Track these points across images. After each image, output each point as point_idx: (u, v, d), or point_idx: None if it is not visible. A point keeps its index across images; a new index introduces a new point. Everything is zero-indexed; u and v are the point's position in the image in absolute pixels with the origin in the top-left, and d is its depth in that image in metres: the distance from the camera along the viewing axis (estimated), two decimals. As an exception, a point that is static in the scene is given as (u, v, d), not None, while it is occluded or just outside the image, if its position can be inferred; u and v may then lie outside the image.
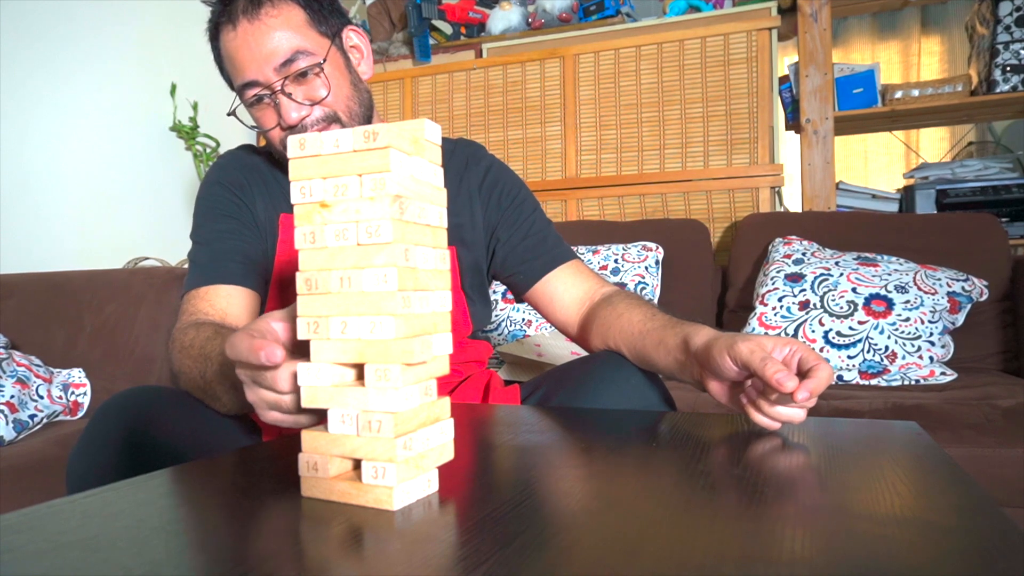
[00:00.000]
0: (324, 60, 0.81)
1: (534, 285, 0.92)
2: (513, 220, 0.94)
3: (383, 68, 2.54)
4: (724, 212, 2.13)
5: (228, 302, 0.82)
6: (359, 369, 0.41)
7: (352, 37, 0.89)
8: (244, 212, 0.88)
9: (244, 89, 0.81)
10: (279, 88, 0.80)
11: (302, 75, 0.80)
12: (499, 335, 1.83)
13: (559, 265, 0.91)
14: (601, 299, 0.87)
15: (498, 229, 0.94)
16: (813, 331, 1.52)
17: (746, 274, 1.84)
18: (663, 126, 2.19)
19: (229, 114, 0.86)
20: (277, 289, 0.87)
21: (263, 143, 0.94)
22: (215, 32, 0.83)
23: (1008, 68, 1.97)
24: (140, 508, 0.41)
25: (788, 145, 2.81)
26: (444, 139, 0.95)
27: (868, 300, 1.51)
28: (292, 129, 0.82)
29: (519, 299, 0.97)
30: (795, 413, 0.58)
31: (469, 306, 0.94)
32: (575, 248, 1.77)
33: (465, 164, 0.95)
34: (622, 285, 1.80)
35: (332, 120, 0.83)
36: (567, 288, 0.90)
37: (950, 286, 1.53)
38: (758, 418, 0.59)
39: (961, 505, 0.39)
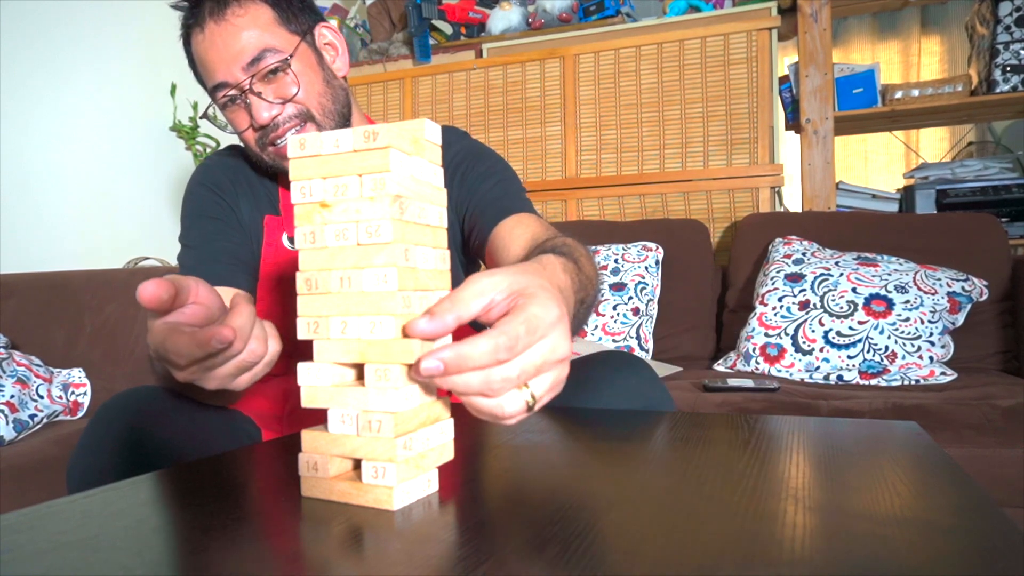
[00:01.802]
0: (291, 56, 0.80)
1: (487, 244, 0.83)
2: (472, 188, 0.89)
3: (383, 68, 2.54)
4: (724, 212, 2.13)
5: None
6: (359, 369, 0.41)
7: (326, 34, 0.87)
8: (229, 214, 0.89)
9: (215, 91, 0.81)
10: (248, 87, 0.79)
11: (271, 73, 0.79)
12: (499, 335, 1.83)
13: (508, 216, 0.82)
14: (536, 246, 0.73)
15: (466, 206, 0.89)
16: (813, 331, 1.52)
17: (746, 274, 1.84)
18: (663, 126, 2.19)
19: (201, 117, 0.86)
20: (264, 291, 0.87)
21: None
22: (187, 37, 0.83)
23: (1008, 68, 1.97)
24: (140, 508, 0.41)
25: (788, 145, 2.81)
26: None
27: (868, 300, 1.51)
28: (264, 129, 0.81)
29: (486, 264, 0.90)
30: (483, 405, 0.39)
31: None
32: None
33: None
34: (622, 285, 1.80)
35: (306, 118, 0.81)
36: (514, 238, 0.79)
37: (950, 286, 1.53)
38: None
39: (961, 505, 0.39)
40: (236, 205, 0.89)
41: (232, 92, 0.80)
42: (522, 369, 0.38)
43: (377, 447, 0.39)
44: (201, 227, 0.87)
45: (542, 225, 0.81)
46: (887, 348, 1.46)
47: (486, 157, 0.91)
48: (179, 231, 0.92)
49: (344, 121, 0.87)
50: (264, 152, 0.83)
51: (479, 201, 0.86)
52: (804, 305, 1.56)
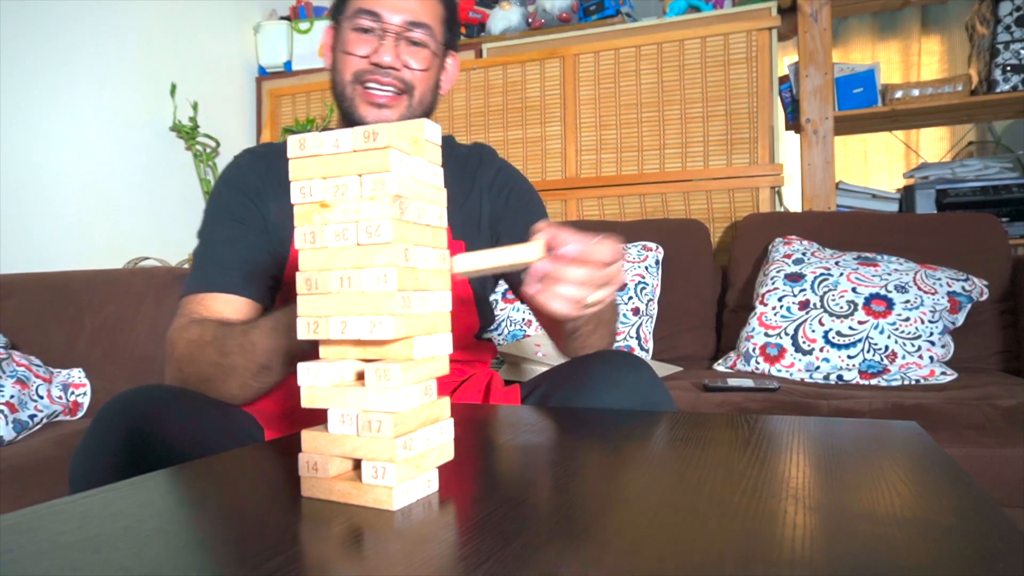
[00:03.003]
0: (439, 43, 0.89)
1: (522, 280, 0.91)
2: (516, 217, 0.95)
3: (383, 68, 2.54)
4: (724, 212, 2.13)
5: (225, 309, 0.83)
6: (359, 369, 0.41)
7: (451, 63, 0.97)
8: (254, 216, 0.88)
9: (363, 14, 0.86)
10: (398, 32, 0.86)
11: (416, 44, 0.87)
12: (499, 335, 1.83)
13: None
14: None
15: (500, 224, 0.96)
16: (813, 331, 1.52)
17: (746, 274, 1.84)
18: (663, 126, 2.19)
19: (331, 16, 0.91)
20: (290, 291, 0.88)
21: (268, 139, 0.95)
22: None
23: (1008, 68, 1.97)
24: (140, 508, 0.41)
25: (788, 145, 2.80)
26: (460, 145, 1.02)
27: (868, 300, 1.51)
28: (375, 67, 0.86)
29: (519, 297, 0.97)
30: (572, 292, 0.54)
31: (477, 304, 0.94)
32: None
33: (479, 163, 1.00)
34: (622, 285, 1.80)
35: (408, 89, 0.88)
36: None
37: (950, 286, 1.53)
38: (539, 299, 0.55)
39: (961, 505, 0.39)
40: (265, 206, 0.89)
41: (377, 23, 0.85)
42: (609, 276, 0.55)
43: (377, 447, 0.39)
44: (223, 230, 0.88)
45: None
46: (887, 348, 1.46)
47: (531, 192, 1.01)
48: (183, 229, 0.93)
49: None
50: (354, 86, 0.87)
51: (521, 236, 0.90)
52: (804, 305, 1.56)
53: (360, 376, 0.41)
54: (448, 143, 1.04)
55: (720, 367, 1.63)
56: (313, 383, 0.41)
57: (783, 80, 2.21)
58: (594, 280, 0.54)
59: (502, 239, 0.95)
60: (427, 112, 0.92)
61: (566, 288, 0.54)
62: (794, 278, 1.62)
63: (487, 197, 0.98)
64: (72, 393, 1.48)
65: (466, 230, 0.95)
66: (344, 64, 0.88)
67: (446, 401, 0.44)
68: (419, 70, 0.88)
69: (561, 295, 0.54)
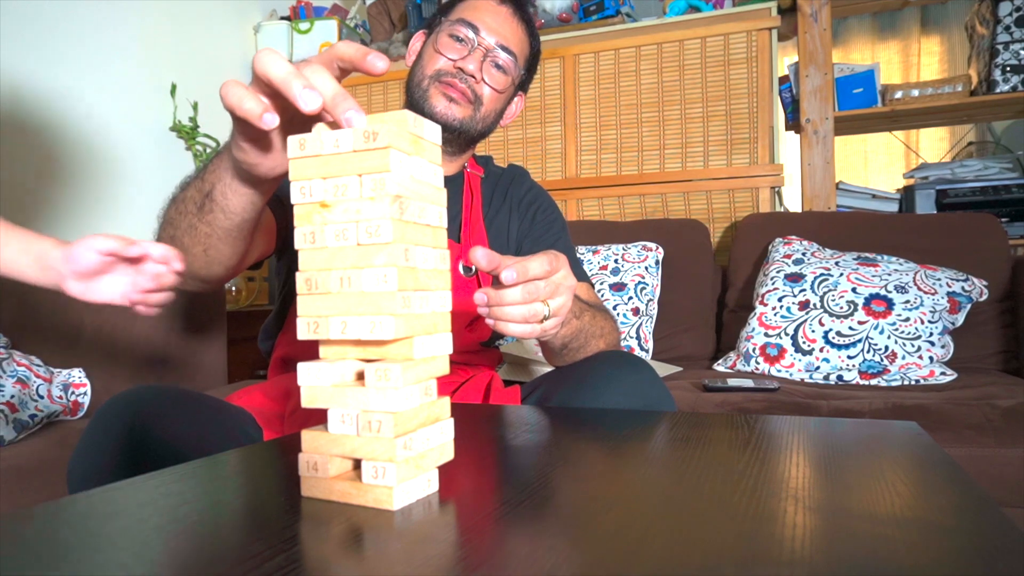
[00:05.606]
0: (518, 75, 0.99)
1: None
2: (538, 236, 1.03)
3: (383, 68, 2.54)
4: (724, 212, 2.13)
5: None
6: (359, 369, 0.41)
7: (519, 102, 1.07)
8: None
9: (463, 24, 0.94)
10: (487, 50, 0.94)
11: (499, 67, 0.96)
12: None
13: None
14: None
15: (524, 241, 1.04)
16: (813, 331, 1.52)
17: (746, 274, 1.84)
18: (663, 126, 2.19)
19: (429, 20, 1.00)
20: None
21: None
22: None
23: (1008, 68, 1.97)
24: (140, 508, 0.41)
25: (788, 145, 2.80)
26: (497, 165, 1.11)
27: (868, 300, 1.51)
28: (457, 71, 0.93)
29: None
30: (518, 311, 0.58)
31: None
32: (576, 248, 1.77)
33: (511, 181, 1.10)
34: (622, 285, 1.80)
35: (477, 103, 0.95)
36: None
37: (950, 286, 1.53)
38: (498, 327, 0.61)
39: (961, 505, 0.39)
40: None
41: (473, 36, 0.93)
42: (556, 283, 0.60)
43: (377, 447, 0.39)
44: None
45: (591, 294, 0.99)
46: (887, 348, 1.46)
47: (555, 214, 1.08)
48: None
49: (474, 140, 1.01)
50: (432, 81, 0.94)
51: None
52: (804, 305, 1.56)
53: (360, 376, 0.41)
54: (486, 162, 1.12)
55: (720, 367, 1.63)
56: (313, 383, 0.41)
57: (783, 80, 2.21)
58: (536, 293, 0.58)
59: (520, 255, 0.99)
60: (485, 132, 0.99)
61: (512, 310, 0.58)
62: (794, 278, 1.62)
63: (516, 213, 1.07)
64: (72, 393, 1.48)
65: (496, 242, 1.02)
66: (430, 60, 0.95)
67: (446, 401, 0.44)
68: (494, 88, 0.96)
69: (510, 316, 0.59)
